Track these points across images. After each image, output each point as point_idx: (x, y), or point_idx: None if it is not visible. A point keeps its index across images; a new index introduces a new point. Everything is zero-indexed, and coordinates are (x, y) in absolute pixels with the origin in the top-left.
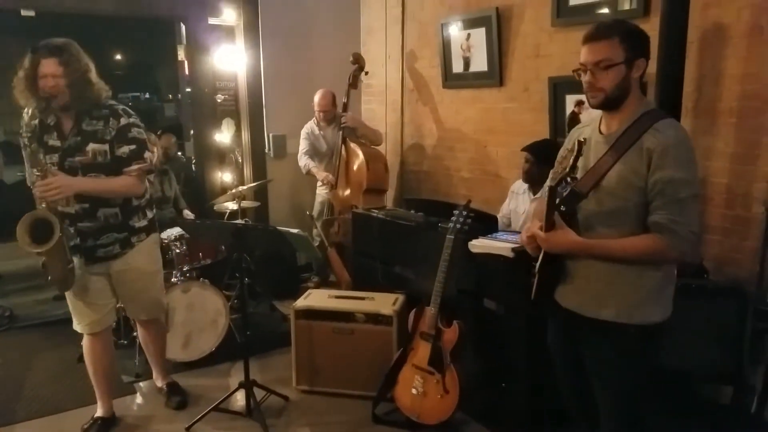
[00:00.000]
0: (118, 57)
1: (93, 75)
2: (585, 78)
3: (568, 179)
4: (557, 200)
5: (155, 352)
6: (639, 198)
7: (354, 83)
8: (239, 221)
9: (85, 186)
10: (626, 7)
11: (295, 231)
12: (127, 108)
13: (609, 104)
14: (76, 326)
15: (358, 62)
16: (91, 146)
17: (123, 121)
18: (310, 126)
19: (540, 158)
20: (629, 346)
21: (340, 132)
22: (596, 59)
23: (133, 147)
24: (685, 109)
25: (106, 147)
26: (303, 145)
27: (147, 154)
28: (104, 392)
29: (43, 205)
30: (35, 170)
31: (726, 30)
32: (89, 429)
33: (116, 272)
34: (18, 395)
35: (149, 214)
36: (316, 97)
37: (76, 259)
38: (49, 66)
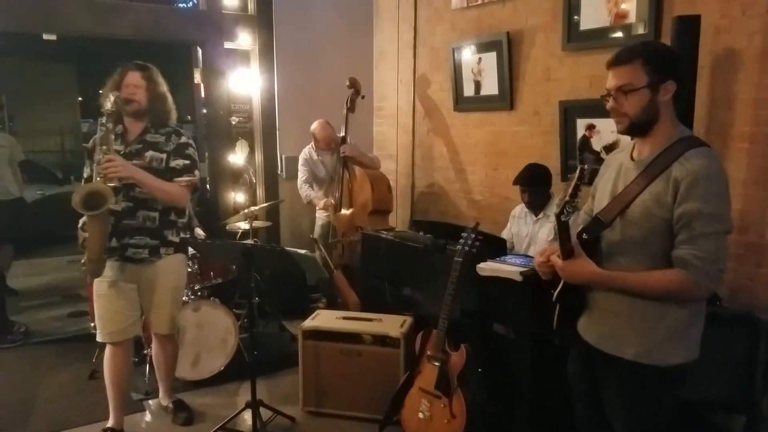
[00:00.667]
0: None
1: (169, 99)
2: (609, 104)
3: (569, 206)
4: (578, 229)
5: (166, 369)
6: (663, 230)
7: (352, 107)
8: (247, 241)
9: (140, 175)
10: (639, 32)
11: (302, 251)
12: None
13: (635, 130)
14: (100, 336)
15: (354, 86)
16: (150, 153)
17: (183, 139)
18: (308, 152)
19: (533, 184)
20: (647, 387)
21: (341, 157)
22: (618, 84)
23: (186, 162)
24: (697, 133)
25: (163, 156)
26: (302, 173)
27: (196, 173)
28: (117, 405)
29: (99, 179)
30: (103, 147)
31: (738, 55)
32: None
33: (145, 281)
34: (30, 410)
35: (182, 235)
36: (316, 128)
37: (109, 264)
38: (134, 78)
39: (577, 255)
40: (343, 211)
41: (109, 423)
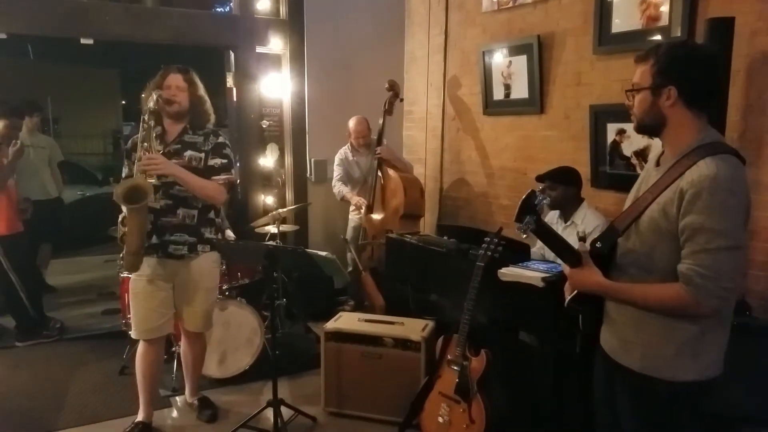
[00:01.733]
0: None
1: (208, 102)
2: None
3: (539, 193)
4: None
5: (194, 366)
6: (670, 242)
7: (390, 110)
8: (270, 243)
9: (179, 172)
10: (671, 34)
11: (323, 253)
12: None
13: (643, 130)
14: (135, 333)
15: (393, 89)
16: (189, 152)
17: (221, 140)
18: (344, 152)
19: (555, 179)
20: (658, 402)
21: (376, 159)
22: (632, 81)
23: (224, 161)
24: (730, 140)
25: (202, 155)
26: (337, 172)
27: (233, 171)
28: (147, 399)
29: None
30: (144, 144)
31: None
32: None
33: (181, 280)
34: (61, 403)
35: (217, 234)
36: (352, 124)
37: (147, 261)
38: (176, 79)
39: (584, 263)
40: (375, 216)
41: (139, 417)
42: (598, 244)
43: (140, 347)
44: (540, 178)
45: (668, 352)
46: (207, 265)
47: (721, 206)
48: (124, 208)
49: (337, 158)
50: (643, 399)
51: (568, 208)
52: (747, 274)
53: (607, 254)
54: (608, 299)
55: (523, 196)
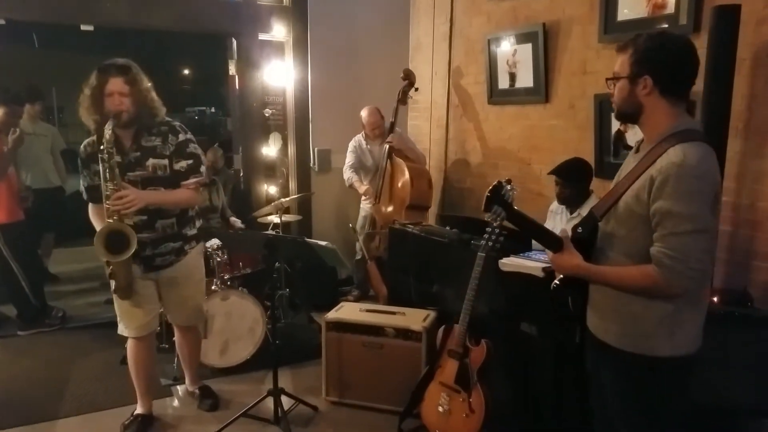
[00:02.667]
0: (186, 72)
1: (154, 94)
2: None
3: (505, 183)
4: (577, 227)
5: (190, 357)
6: (644, 226)
7: (403, 99)
8: (269, 232)
9: (154, 199)
10: (677, 23)
11: (324, 243)
12: (182, 125)
13: (622, 118)
14: (123, 330)
15: (409, 78)
16: (151, 161)
17: (181, 137)
18: (358, 140)
19: (569, 178)
20: (638, 378)
21: (386, 147)
22: (613, 71)
23: (190, 162)
24: (735, 129)
25: (166, 162)
26: (349, 158)
27: (203, 168)
28: (144, 392)
29: (115, 218)
30: (110, 184)
31: None
32: (130, 425)
33: (166, 279)
34: (62, 392)
35: (198, 224)
36: (364, 114)
37: (134, 267)
38: (116, 84)
39: (565, 247)
40: (384, 206)
41: (138, 410)
42: (579, 230)
43: (131, 345)
44: (555, 175)
45: (645, 329)
46: (193, 260)
47: (687, 191)
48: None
49: (350, 145)
50: (624, 375)
51: (577, 202)
52: (750, 265)
53: (587, 239)
54: (589, 282)
55: (489, 189)
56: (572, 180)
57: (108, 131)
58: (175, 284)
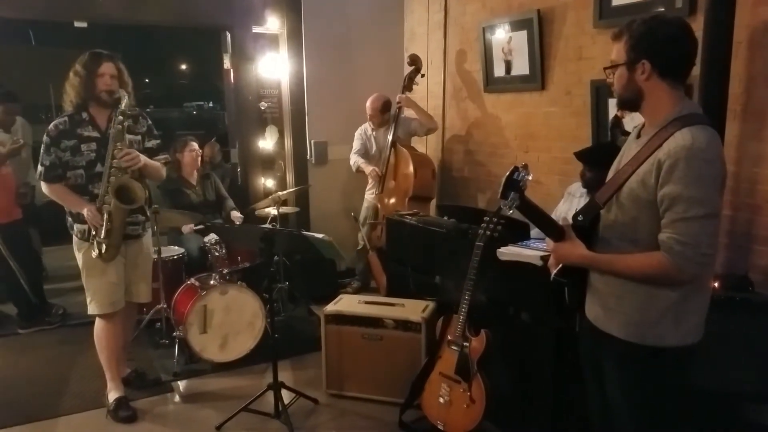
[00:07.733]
0: (182, 68)
1: (130, 87)
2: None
3: (521, 169)
4: (578, 215)
5: (130, 334)
6: (650, 213)
7: (409, 86)
8: (266, 225)
9: (146, 161)
10: (672, 6)
11: (320, 236)
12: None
13: (623, 105)
14: (95, 309)
15: (416, 63)
16: (128, 137)
17: (149, 122)
18: (365, 127)
19: (591, 163)
20: (643, 369)
21: (390, 135)
22: (610, 60)
23: (158, 142)
24: (733, 112)
25: (139, 138)
26: (356, 145)
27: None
28: (116, 375)
29: (119, 175)
30: (118, 144)
31: None
32: (117, 409)
33: (132, 253)
34: (63, 389)
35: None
36: (369, 101)
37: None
38: (110, 68)
39: (567, 236)
40: (386, 198)
41: (117, 393)
42: (580, 218)
43: (101, 324)
44: (577, 158)
45: (651, 318)
46: (147, 241)
47: (697, 175)
48: (110, 204)
49: (357, 132)
50: (628, 366)
51: (593, 187)
52: (750, 249)
53: (589, 227)
54: (592, 271)
55: (507, 173)
56: (593, 164)
57: (125, 98)
58: (139, 261)
